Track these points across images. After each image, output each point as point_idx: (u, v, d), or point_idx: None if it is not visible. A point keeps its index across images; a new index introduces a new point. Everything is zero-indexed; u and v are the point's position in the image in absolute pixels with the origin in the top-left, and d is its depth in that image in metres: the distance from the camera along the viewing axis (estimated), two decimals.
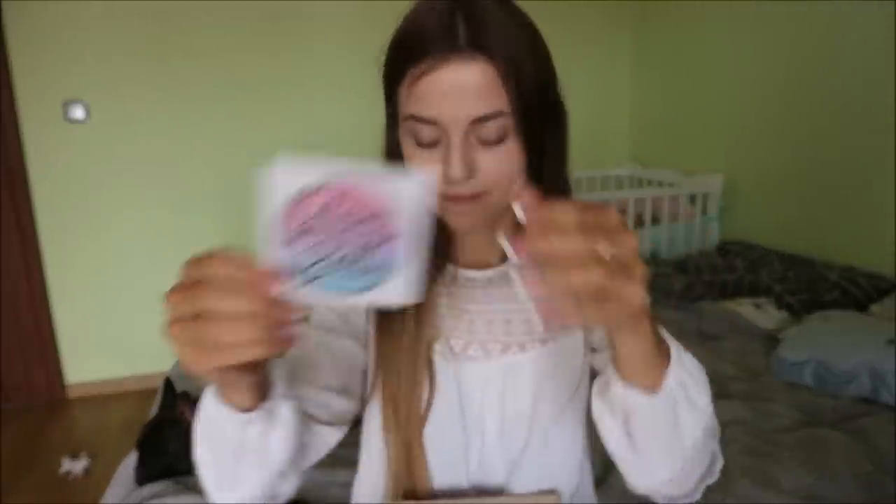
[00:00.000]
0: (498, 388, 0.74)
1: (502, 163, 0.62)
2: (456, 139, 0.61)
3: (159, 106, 3.05)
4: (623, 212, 3.26)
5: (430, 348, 0.73)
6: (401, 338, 0.72)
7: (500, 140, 0.62)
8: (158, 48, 3.00)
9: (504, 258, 0.76)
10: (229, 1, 3.03)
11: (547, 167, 0.69)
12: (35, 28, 2.84)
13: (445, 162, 0.62)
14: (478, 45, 0.59)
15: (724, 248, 2.95)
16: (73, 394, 3.16)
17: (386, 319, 0.73)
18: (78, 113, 2.94)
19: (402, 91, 0.63)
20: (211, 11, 3.03)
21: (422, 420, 0.73)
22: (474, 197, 0.64)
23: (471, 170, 0.62)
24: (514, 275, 0.76)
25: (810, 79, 2.57)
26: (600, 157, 3.74)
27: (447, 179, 0.62)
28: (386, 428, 0.74)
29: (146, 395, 2.85)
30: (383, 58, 0.65)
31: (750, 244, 2.86)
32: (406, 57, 0.61)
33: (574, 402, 0.77)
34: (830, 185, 2.52)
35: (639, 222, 3.19)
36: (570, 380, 0.76)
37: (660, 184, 3.39)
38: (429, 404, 0.73)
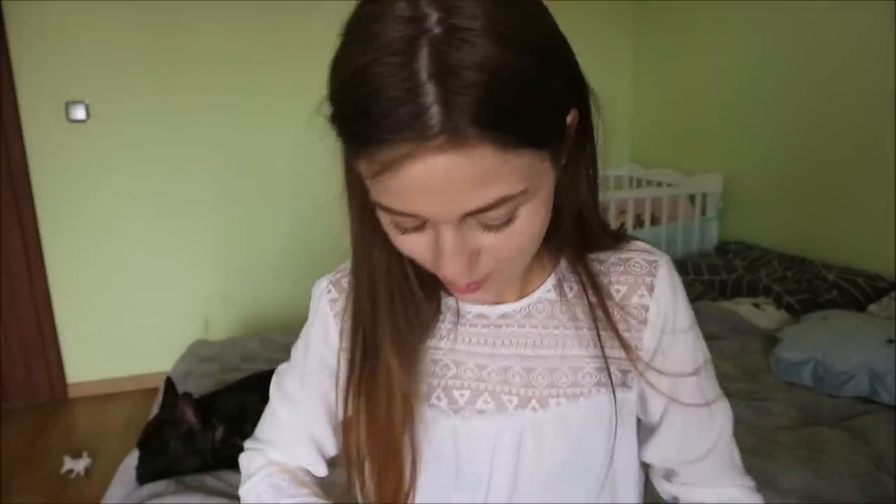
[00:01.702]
0: (513, 449, 0.60)
1: (512, 240, 0.48)
2: (447, 233, 0.47)
3: (159, 107, 3.05)
4: (623, 212, 3.26)
5: (408, 407, 0.60)
6: (376, 395, 0.60)
7: (508, 221, 0.47)
8: (158, 50, 3.00)
9: (525, 288, 0.62)
10: (229, 2, 3.03)
11: (569, 192, 0.56)
12: (37, 30, 2.85)
13: (439, 255, 0.48)
14: (459, 129, 0.40)
15: (723, 248, 2.95)
16: (74, 393, 3.16)
17: (362, 375, 0.61)
18: (79, 113, 2.95)
19: (361, 169, 0.46)
20: (211, 13, 3.03)
21: (406, 487, 0.61)
22: (479, 282, 0.52)
23: (471, 260, 0.48)
24: (537, 310, 0.61)
25: (810, 79, 2.57)
26: (600, 156, 3.74)
27: (442, 273, 0.50)
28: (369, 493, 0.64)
29: (147, 394, 2.86)
30: (328, 97, 0.46)
31: (749, 244, 2.87)
32: (357, 135, 0.44)
33: (610, 467, 0.62)
34: (829, 185, 2.52)
35: (638, 222, 3.19)
36: (602, 443, 0.61)
37: (659, 184, 3.39)
38: (412, 473, 0.61)
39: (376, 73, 0.41)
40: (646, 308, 0.60)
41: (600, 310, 0.59)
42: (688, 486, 0.66)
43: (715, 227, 3.11)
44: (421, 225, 0.48)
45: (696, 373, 0.62)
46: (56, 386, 3.13)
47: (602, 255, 0.62)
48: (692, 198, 3.17)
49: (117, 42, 2.95)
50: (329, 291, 0.66)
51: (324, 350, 0.67)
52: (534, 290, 0.62)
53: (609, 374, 0.59)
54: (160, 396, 1.65)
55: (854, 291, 2.22)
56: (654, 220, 3.14)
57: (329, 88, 0.45)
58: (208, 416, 1.52)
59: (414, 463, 0.61)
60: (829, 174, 2.52)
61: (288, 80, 3.20)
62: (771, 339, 2.06)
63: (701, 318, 2.21)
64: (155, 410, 1.70)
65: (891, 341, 1.75)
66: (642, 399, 0.63)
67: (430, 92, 0.40)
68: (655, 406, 0.63)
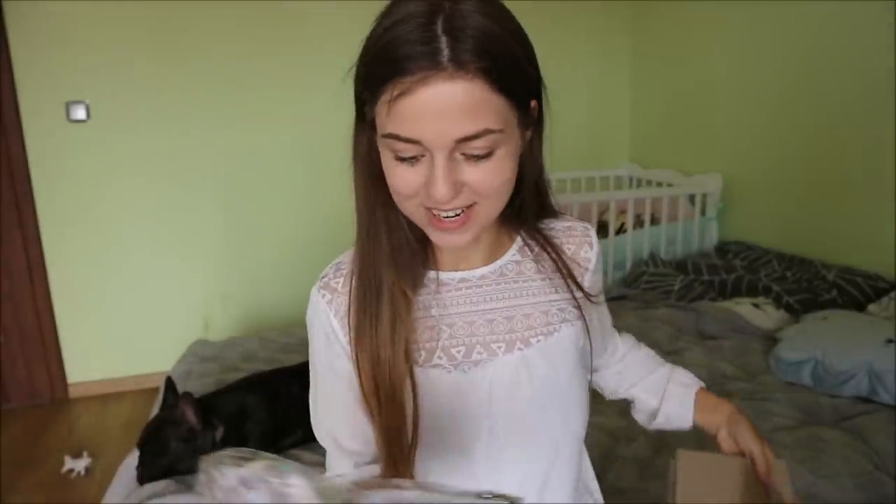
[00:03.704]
0: (509, 388, 0.72)
1: (489, 175, 0.61)
2: (440, 159, 0.58)
3: (160, 107, 3.05)
4: (623, 212, 3.26)
5: (409, 365, 0.69)
6: (377, 359, 0.68)
7: (487, 155, 0.60)
8: (159, 49, 3.01)
9: (494, 255, 0.75)
10: (230, 2, 3.04)
11: (529, 169, 0.70)
12: (37, 29, 2.85)
13: (430, 181, 0.60)
14: (462, 62, 0.55)
15: (722, 248, 2.96)
16: (74, 393, 3.16)
17: (362, 343, 0.69)
18: (79, 113, 2.95)
19: (380, 107, 0.59)
20: (211, 12, 3.03)
21: (411, 444, 0.69)
22: (462, 218, 0.63)
23: (456, 189, 0.60)
24: (508, 270, 0.75)
25: (809, 79, 2.57)
26: (600, 157, 3.75)
27: (432, 199, 0.61)
28: (381, 455, 0.71)
29: (147, 394, 2.86)
30: (356, 67, 0.61)
31: (749, 244, 2.87)
32: (383, 73, 0.57)
33: (580, 388, 0.78)
34: (829, 185, 2.52)
35: (638, 222, 3.19)
36: (578, 366, 0.77)
37: (659, 184, 3.40)
38: (415, 425, 0.69)
39: (404, 28, 0.56)
40: (589, 259, 0.80)
41: (560, 263, 0.77)
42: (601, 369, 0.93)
43: (715, 227, 3.11)
44: (418, 157, 0.60)
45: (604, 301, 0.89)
46: (57, 386, 3.14)
47: (551, 224, 0.80)
48: (692, 198, 3.17)
49: (118, 42, 2.95)
50: (324, 296, 0.73)
51: (328, 349, 0.73)
52: (503, 255, 0.76)
53: (580, 308, 0.77)
54: (160, 396, 1.65)
55: (854, 291, 2.22)
56: (654, 220, 3.14)
57: (363, 49, 0.60)
58: (208, 416, 1.52)
59: (416, 419, 0.69)
60: (829, 174, 2.52)
61: (290, 81, 3.21)
62: (771, 339, 2.06)
63: (701, 319, 2.21)
64: (155, 410, 1.70)
65: (890, 341, 1.75)
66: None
67: (443, 40, 0.55)
68: (596, 330, 0.83)
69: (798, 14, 2.59)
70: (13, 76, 2.86)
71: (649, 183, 3.51)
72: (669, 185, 3.28)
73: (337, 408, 0.75)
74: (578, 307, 0.77)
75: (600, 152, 3.74)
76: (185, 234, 3.20)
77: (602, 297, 0.87)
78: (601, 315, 0.87)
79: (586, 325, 0.78)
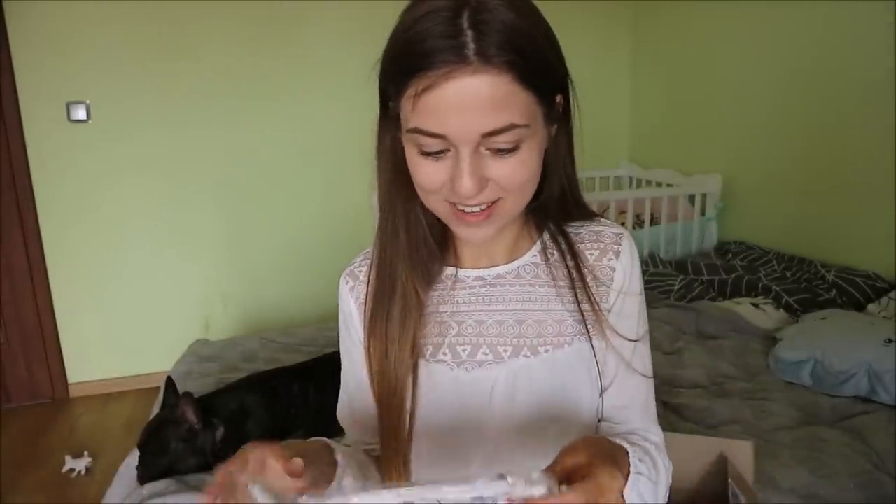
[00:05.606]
0: (507, 394, 0.70)
1: (515, 170, 0.60)
2: (465, 153, 0.58)
3: (160, 107, 3.05)
4: (623, 212, 3.27)
5: (414, 360, 0.70)
6: (385, 351, 0.70)
7: (512, 150, 0.59)
8: (159, 50, 3.01)
9: (515, 254, 0.73)
10: (230, 2, 3.04)
11: (554, 165, 0.69)
12: (37, 30, 2.85)
13: (455, 176, 0.59)
14: (488, 56, 0.55)
15: (722, 248, 2.96)
16: (75, 393, 3.17)
17: (374, 334, 0.72)
18: (80, 114, 2.95)
19: (405, 102, 0.59)
20: (212, 13, 3.03)
21: (406, 433, 0.71)
22: (486, 212, 0.63)
23: (481, 184, 0.60)
24: (525, 272, 0.73)
25: (809, 79, 2.57)
26: (600, 157, 3.75)
27: (456, 194, 0.60)
28: (381, 447, 0.73)
29: (148, 394, 2.86)
30: (381, 62, 0.62)
31: (748, 244, 2.87)
32: (409, 68, 0.57)
33: (585, 413, 0.72)
34: (828, 185, 2.52)
35: (638, 222, 3.20)
36: (586, 387, 0.71)
37: (659, 184, 3.40)
38: (412, 418, 0.70)
39: (429, 22, 0.56)
40: (613, 269, 0.72)
41: (577, 272, 0.71)
42: (613, 425, 0.75)
43: (714, 227, 3.11)
44: (444, 151, 0.59)
45: (640, 339, 0.74)
46: (57, 385, 3.14)
47: (577, 227, 0.75)
48: (692, 198, 3.17)
49: (118, 42, 2.95)
50: (347, 283, 0.77)
51: (346, 336, 0.77)
52: (522, 255, 0.74)
53: (586, 325, 0.70)
54: (161, 396, 1.65)
55: (853, 291, 2.22)
56: (654, 220, 3.14)
57: (388, 44, 0.60)
58: (209, 416, 1.52)
59: (413, 412, 0.70)
60: (829, 174, 2.52)
61: (290, 81, 3.21)
62: (770, 339, 2.07)
63: (701, 318, 2.21)
64: (156, 410, 1.70)
65: (889, 341, 1.75)
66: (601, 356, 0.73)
67: (469, 35, 0.55)
68: (610, 366, 0.73)
69: (798, 14, 2.60)
70: (14, 76, 2.86)
71: (649, 183, 3.51)
72: (669, 185, 3.28)
73: (347, 392, 0.79)
74: (598, 322, 0.70)
75: (600, 152, 3.74)
76: (185, 234, 3.20)
77: (641, 334, 0.75)
78: (628, 354, 0.72)
79: (604, 344, 0.71)
